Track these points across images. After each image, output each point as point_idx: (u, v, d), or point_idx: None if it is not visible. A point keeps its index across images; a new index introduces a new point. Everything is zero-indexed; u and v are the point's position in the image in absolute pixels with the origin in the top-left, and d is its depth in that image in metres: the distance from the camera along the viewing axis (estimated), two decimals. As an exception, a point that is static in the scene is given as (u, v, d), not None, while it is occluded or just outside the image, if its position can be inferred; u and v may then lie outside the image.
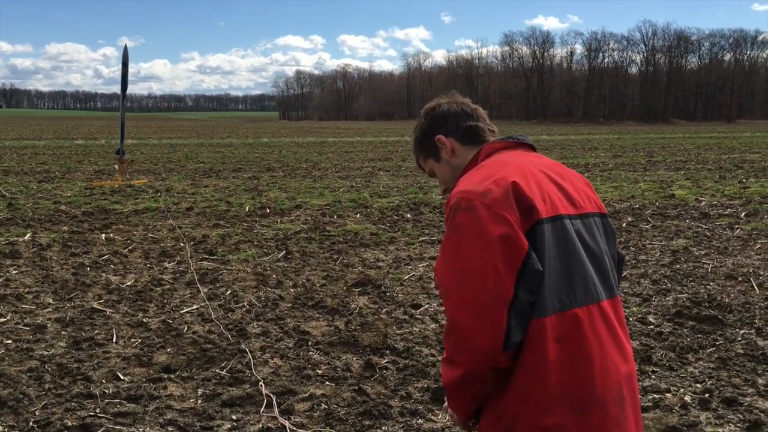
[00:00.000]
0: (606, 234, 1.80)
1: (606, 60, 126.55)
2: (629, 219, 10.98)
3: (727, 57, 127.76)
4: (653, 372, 4.63)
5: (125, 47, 16.76)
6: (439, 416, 3.98)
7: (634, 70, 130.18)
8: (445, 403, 1.85)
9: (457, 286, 1.56)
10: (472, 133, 1.91)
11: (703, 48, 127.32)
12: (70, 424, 3.76)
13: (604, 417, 1.60)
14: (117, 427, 3.72)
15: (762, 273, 7.36)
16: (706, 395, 4.22)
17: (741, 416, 3.94)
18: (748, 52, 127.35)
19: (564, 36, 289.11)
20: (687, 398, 4.19)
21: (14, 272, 7.30)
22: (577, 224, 1.69)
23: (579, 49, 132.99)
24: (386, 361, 4.82)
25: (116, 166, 16.95)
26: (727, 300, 6.26)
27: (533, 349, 1.57)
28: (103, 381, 4.40)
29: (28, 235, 9.32)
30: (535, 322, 1.57)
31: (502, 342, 1.52)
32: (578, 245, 1.67)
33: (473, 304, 1.54)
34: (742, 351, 5.00)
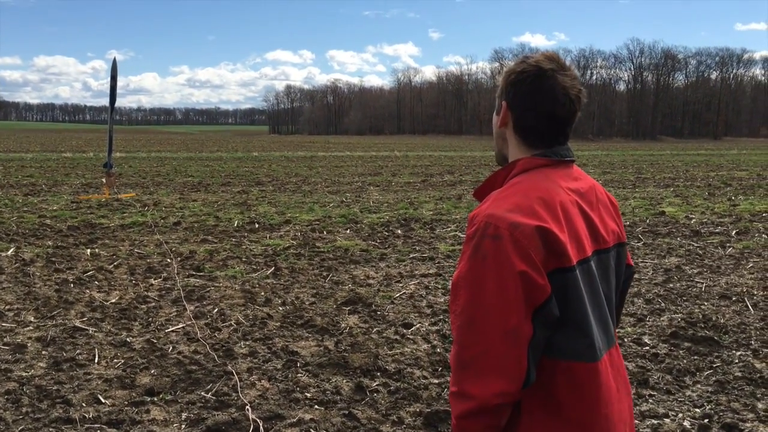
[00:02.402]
0: (618, 261, 1.73)
1: (594, 77, 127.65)
2: (621, 236, 10.91)
3: (714, 75, 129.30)
4: (650, 396, 4.52)
5: (114, 60, 16.63)
6: (432, 442, 3.85)
7: (622, 87, 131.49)
8: None
9: (481, 318, 1.47)
10: (534, 135, 1.66)
11: (689, 66, 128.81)
12: (47, 451, 3.60)
13: None
14: (96, 454, 3.56)
15: (756, 292, 7.29)
16: (706, 420, 4.12)
17: (742, 443, 3.84)
18: (734, 71, 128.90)
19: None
20: (686, 423, 4.08)
21: (-5, 288, 7.11)
22: (597, 262, 1.63)
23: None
24: (377, 383, 4.68)
25: (104, 180, 16.76)
26: (722, 320, 6.18)
27: (558, 391, 1.52)
28: (83, 404, 4.24)
29: (11, 249, 9.13)
30: (563, 364, 1.52)
31: (522, 380, 1.45)
32: (600, 288, 1.61)
33: (498, 339, 1.45)
34: (740, 374, 4.90)
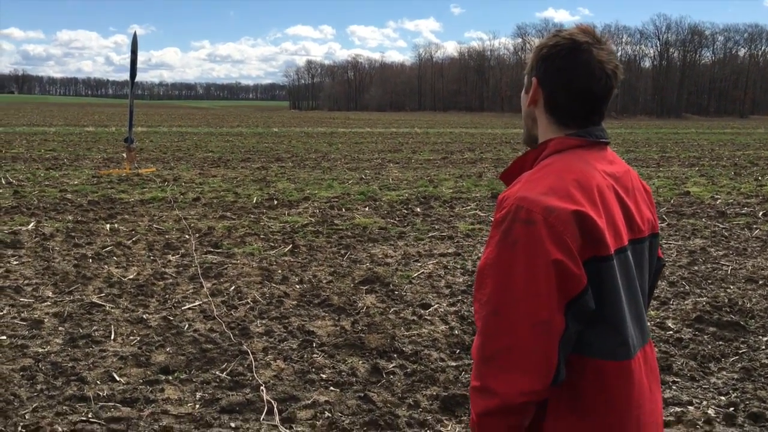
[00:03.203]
0: (651, 253, 1.61)
1: (619, 53, 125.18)
2: (644, 217, 10.71)
3: (742, 52, 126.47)
4: (674, 383, 4.41)
5: (134, 35, 16.57)
6: (449, 427, 3.77)
7: (647, 63, 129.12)
8: None
9: (509, 309, 1.36)
10: (566, 114, 1.54)
11: (717, 42, 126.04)
12: (60, 429, 3.58)
13: None
14: (109, 433, 3.53)
15: (784, 276, 7.10)
16: (731, 409, 4.00)
17: (769, 434, 3.73)
18: (762, 48, 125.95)
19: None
20: (711, 412, 3.97)
21: (15, 263, 7.14)
22: (633, 252, 1.51)
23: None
24: (393, 365, 4.62)
25: (124, 155, 16.80)
26: (748, 305, 6.02)
27: (587, 391, 1.41)
28: (98, 382, 4.22)
29: (31, 224, 9.17)
30: (593, 362, 1.41)
31: (551, 378, 1.34)
32: (636, 280, 1.49)
33: (526, 333, 1.34)
34: (767, 360, 4.76)
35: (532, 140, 1.62)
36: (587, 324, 1.38)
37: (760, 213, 11.15)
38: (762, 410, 3.97)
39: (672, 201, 12.39)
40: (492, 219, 1.49)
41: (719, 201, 12.46)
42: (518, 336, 1.34)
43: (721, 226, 10.04)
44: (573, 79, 1.49)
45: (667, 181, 15.45)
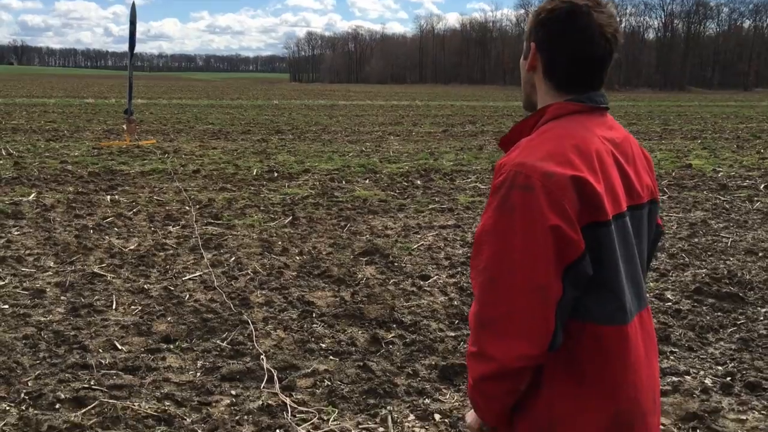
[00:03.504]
0: (650, 219, 1.62)
1: (623, 24, 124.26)
2: (645, 189, 10.70)
3: (746, 24, 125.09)
4: (672, 353, 4.44)
5: (133, 5, 16.41)
6: (447, 396, 3.81)
7: (651, 35, 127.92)
8: (467, 416, 1.66)
9: (506, 275, 1.36)
10: (566, 79, 1.52)
11: (721, 14, 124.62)
12: (63, 396, 3.62)
13: (643, 428, 1.50)
14: (111, 400, 3.57)
15: (783, 248, 7.11)
16: (728, 379, 4.03)
17: (765, 402, 3.76)
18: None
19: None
20: (707, 381, 4.00)
21: (16, 233, 7.16)
22: (631, 218, 1.50)
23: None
24: (393, 335, 4.65)
25: (124, 126, 16.74)
26: (747, 277, 6.04)
27: (583, 356, 1.42)
28: (100, 350, 4.26)
29: (32, 195, 9.18)
30: (591, 327, 1.41)
31: (548, 343, 1.35)
32: (634, 247, 1.49)
33: (523, 298, 1.35)
34: (765, 331, 4.79)
35: (531, 106, 1.60)
36: (585, 289, 1.38)
37: (762, 185, 11.14)
38: (759, 380, 4.00)
39: (673, 173, 12.37)
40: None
41: (721, 174, 12.43)
42: (515, 302, 1.35)
43: (723, 198, 10.03)
44: (572, 44, 1.47)
45: (668, 154, 15.40)
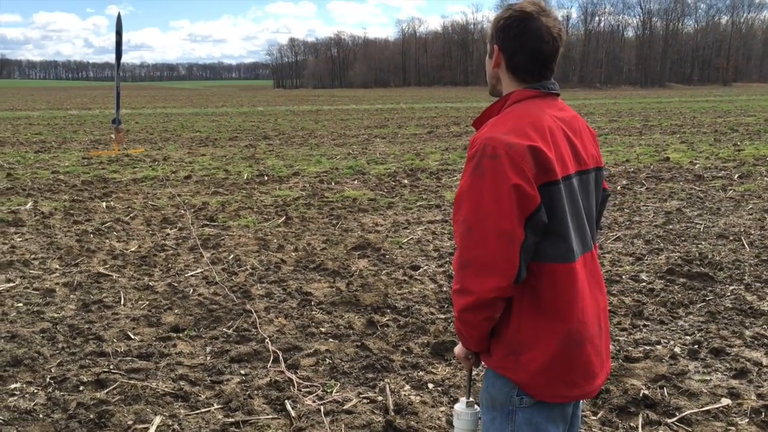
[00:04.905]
0: (597, 183, 1.96)
1: (602, 24, 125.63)
2: (624, 182, 11.11)
3: (724, 20, 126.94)
4: (644, 326, 4.80)
5: (119, 15, 16.63)
6: (439, 369, 4.14)
7: (630, 33, 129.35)
8: (456, 348, 2.01)
9: (480, 224, 1.71)
10: (524, 71, 1.87)
11: (699, 10, 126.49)
12: (85, 379, 3.92)
13: (591, 348, 1.85)
14: (131, 381, 3.87)
15: (753, 232, 7.52)
16: (695, 346, 4.39)
17: (728, 365, 4.12)
18: (744, 15, 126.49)
19: (560, 0, 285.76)
20: (677, 349, 4.36)
21: (19, 239, 7.42)
22: (579, 180, 1.87)
23: (575, 13, 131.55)
24: (387, 319, 4.98)
25: (113, 136, 16.96)
26: (717, 258, 6.42)
27: (542, 289, 1.77)
28: (115, 340, 4.56)
29: (29, 203, 9.42)
30: (548, 266, 1.76)
31: (514, 276, 1.70)
32: (580, 202, 1.86)
33: (493, 242, 1.70)
34: (730, 305, 5.17)
35: (497, 93, 1.98)
36: (542, 236, 1.74)
37: (736, 175, 11.58)
38: (723, 346, 4.37)
39: (652, 167, 12.79)
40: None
41: (698, 166, 12.88)
42: (487, 245, 1.71)
43: (698, 188, 10.45)
44: (527, 43, 1.84)
45: (647, 149, 15.85)
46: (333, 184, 11.28)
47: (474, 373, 3.66)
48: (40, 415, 3.53)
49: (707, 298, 5.36)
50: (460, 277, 1.77)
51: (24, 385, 3.88)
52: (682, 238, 7.31)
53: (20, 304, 5.28)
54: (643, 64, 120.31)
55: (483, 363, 1.94)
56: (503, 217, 1.68)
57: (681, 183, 10.97)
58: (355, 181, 11.54)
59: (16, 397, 3.72)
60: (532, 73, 1.88)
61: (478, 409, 2.02)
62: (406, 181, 11.44)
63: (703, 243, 7.09)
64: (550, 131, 1.79)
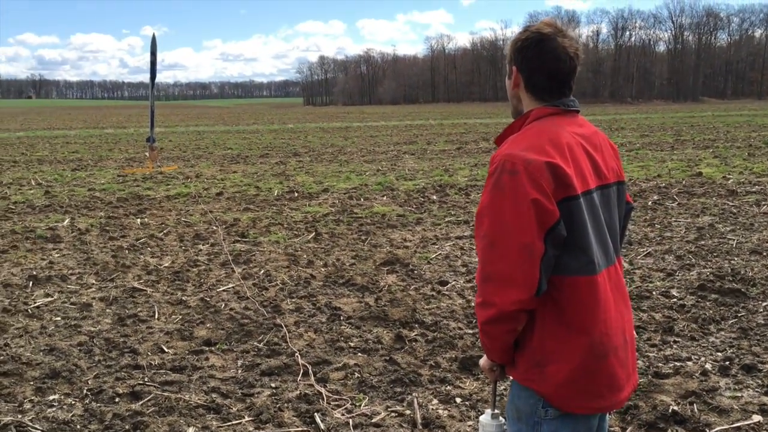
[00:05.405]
0: (619, 197, 2.00)
1: (633, 38, 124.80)
2: (655, 197, 11.02)
3: (758, 33, 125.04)
4: (675, 342, 4.76)
5: (153, 36, 17.07)
6: (467, 383, 4.17)
7: (661, 48, 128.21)
8: (481, 360, 2.05)
9: (501, 238, 1.76)
10: (543, 90, 1.92)
11: (732, 24, 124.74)
12: (121, 391, 4.02)
13: (616, 360, 1.87)
14: (165, 393, 3.97)
15: (787, 248, 7.39)
16: (726, 363, 4.35)
17: (760, 381, 4.07)
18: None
19: (590, 15, 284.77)
20: (707, 366, 4.32)
21: (56, 255, 7.63)
22: (600, 194, 1.91)
23: (605, 28, 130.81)
24: (415, 333, 5.02)
25: (147, 154, 17.33)
26: (750, 274, 6.34)
27: (564, 301, 1.81)
28: (149, 353, 4.67)
29: (66, 220, 9.68)
30: (570, 279, 1.80)
31: (535, 289, 1.74)
32: (602, 216, 1.90)
33: (514, 255, 1.75)
34: (763, 321, 5.10)
35: (518, 113, 2.03)
36: (563, 249, 1.78)
37: (770, 190, 11.39)
38: (755, 362, 4.32)
39: (684, 182, 12.66)
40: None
41: (731, 181, 12.71)
42: (509, 259, 1.75)
43: (731, 203, 10.32)
44: (544, 63, 1.90)
45: (680, 164, 15.68)
46: (362, 200, 11.37)
47: (502, 387, 3.69)
48: (78, 426, 3.64)
49: (739, 314, 5.30)
50: (482, 290, 1.81)
51: (62, 397, 4.00)
52: (714, 254, 7.23)
53: (58, 318, 5.44)
54: (676, 79, 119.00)
55: (509, 375, 1.98)
56: (523, 232, 1.73)
57: (713, 198, 10.84)
58: (384, 197, 11.62)
59: (54, 408, 3.85)
60: (551, 91, 1.93)
61: (503, 420, 2.06)
62: (434, 197, 11.49)
63: (736, 259, 7.01)
64: (569, 147, 1.84)
